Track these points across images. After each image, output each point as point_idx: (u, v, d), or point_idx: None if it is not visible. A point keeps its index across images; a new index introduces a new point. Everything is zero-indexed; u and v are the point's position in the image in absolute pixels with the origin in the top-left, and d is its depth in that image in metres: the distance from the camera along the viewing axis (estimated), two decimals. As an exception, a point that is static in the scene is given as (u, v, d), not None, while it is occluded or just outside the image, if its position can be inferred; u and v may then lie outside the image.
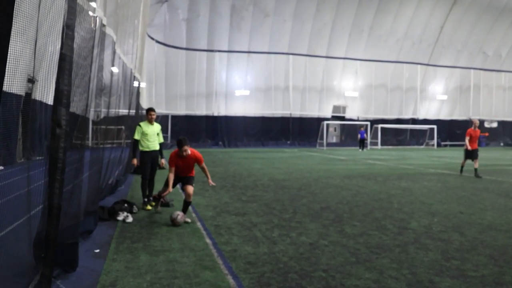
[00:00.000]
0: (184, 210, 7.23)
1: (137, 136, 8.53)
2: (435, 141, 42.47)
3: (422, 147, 42.50)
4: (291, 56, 38.03)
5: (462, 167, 15.31)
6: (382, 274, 4.67)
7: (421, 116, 44.05)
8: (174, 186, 7.46)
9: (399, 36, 40.28)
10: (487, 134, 41.30)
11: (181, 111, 36.38)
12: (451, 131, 44.85)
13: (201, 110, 37.04)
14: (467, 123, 44.99)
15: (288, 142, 39.11)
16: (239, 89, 37.89)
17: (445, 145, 44.02)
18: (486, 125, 45.23)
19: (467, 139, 15.01)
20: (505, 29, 42.64)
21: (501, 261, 5.17)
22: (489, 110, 45.59)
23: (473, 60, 44.25)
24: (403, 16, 38.90)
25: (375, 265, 4.95)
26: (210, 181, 7.56)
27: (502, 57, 45.11)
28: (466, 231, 6.65)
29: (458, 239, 6.17)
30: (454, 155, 28.66)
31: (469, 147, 14.82)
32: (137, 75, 14.06)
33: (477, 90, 45.38)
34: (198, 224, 6.96)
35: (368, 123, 39.17)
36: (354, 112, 41.85)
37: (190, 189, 7.28)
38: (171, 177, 7.32)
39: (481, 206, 8.93)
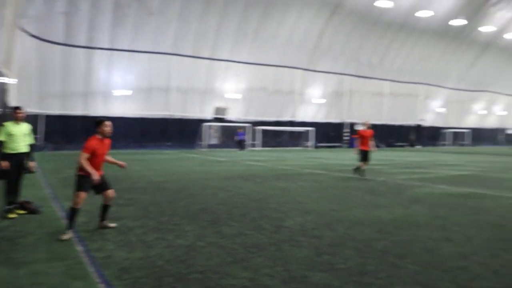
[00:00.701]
0: (105, 215, 6.76)
1: (1, 138, 7.72)
2: (311, 142, 44.79)
3: (299, 148, 44.53)
4: (174, 57, 37.47)
5: (358, 168, 15.03)
6: (257, 272, 4.73)
7: (299, 118, 46.14)
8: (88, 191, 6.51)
9: (282, 41, 41.71)
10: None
11: (56, 110, 33.82)
12: (326, 133, 47.70)
13: (78, 109, 34.82)
14: (341, 126, 48.34)
15: (168, 143, 38.42)
16: (120, 88, 36.30)
17: (321, 146, 46.65)
18: (356, 128, 49.01)
19: (358, 141, 15.25)
20: (375, 40, 46.55)
21: (365, 253, 5.56)
22: (361, 114, 49.30)
23: (348, 67, 47.60)
24: (286, 22, 40.40)
25: (251, 264, 5.00)
26: (122, 163, 6.94)
27: (373, 65, 49.18)
28: (336, 227, 7.05)
29: (329, 235, 6.50)
30: (329, 156, 30.54)
31: (359, 149, 14.99)
32: (4, 70, 12.79)
33: (351, 95, 48.91)
34: (69, 231, 6.47)
35: (250, 125, 40.02)
36: (235, 114, 42.46)
37: (112, 191, 6.72)
38: (87, 163, 6.30)
39: (350, 203, 9.56)
